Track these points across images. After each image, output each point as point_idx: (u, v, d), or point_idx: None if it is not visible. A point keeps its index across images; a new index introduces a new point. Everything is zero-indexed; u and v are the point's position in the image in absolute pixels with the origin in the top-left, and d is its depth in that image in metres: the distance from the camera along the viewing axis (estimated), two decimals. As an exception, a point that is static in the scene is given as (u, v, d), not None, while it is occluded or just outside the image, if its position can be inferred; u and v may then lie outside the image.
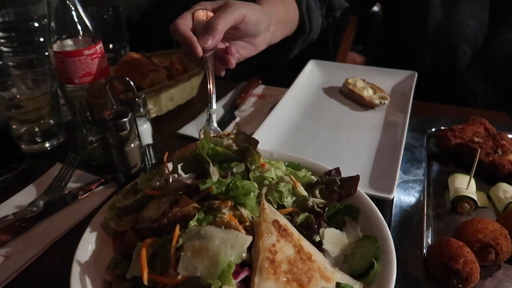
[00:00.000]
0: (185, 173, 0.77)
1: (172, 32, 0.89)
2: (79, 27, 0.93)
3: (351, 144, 1.07)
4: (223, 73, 0.98)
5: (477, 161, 0.86)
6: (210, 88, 0.93)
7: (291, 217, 0.71)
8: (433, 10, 1.31)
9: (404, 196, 0.88)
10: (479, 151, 0.84)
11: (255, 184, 0.70)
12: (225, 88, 1.44)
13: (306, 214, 0.70)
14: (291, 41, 1.34)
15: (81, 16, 0.93)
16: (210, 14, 0.92)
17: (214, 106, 0.94)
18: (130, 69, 1.20)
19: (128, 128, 0.90)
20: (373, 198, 0.84)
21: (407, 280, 0.69)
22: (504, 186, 0.87)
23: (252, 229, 0.65)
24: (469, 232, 0.72)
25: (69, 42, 0.94)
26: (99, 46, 0.96)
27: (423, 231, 0.79)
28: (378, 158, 1.00)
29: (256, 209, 0.67)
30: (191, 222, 0.64)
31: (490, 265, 0.72)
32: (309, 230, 0.69)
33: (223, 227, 0.62)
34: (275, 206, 0.72)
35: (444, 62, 1.35)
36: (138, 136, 0.95)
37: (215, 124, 0.94)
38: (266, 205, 0.67)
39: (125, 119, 0.89)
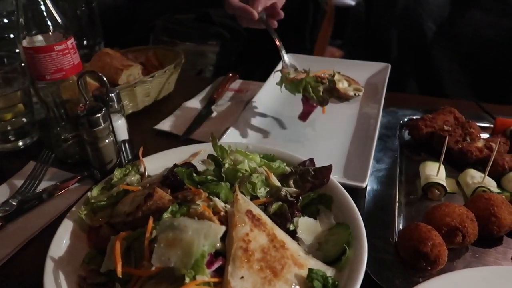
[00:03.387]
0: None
1: (227, 8, 1.11)
2: (49, 23, 0.92)
3: (326, 136, 1.09)
4: (276, 25, 1.15)
5: (446, 149, 0.88)
6: (277, 40, 1.15)
7: (264, 207, 0.72)
8: None
9: (377, 184, 0.90)
10: (447, 139, 0.87)
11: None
12: (203, 83, 1.45)
13: (279, 203, 0.71)
14: None
15: (51, 11, 0.91)
16: None
17: (286, 58, 1.16)
18: (104, 65, 1.19)
19: (102, 124, 0.89)
20: (347, 186, 0.87)
21: (378, 265, 0.71)
22: (472, 172, 0.90)
23: (226, 220, 0.66)
24: (437, 216, 0.74)
25: (39, 37, 0.93)
26: (71, 42, 0.95)
27: (394, 217, 0.81)
28: (353, 148, 1.02)
29: (231, 198, 0.68)
30: (164, 214, 0.64)
31: (458, 247, 0.75)
32: (282, 219, 0.70)
33: (196, 218, 0.62)
34: (248, 197, 0.73)
35: (411, 39, 1.39)
36: (113, 131, 0.95)
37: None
38: (240, 195, 0.68)
39: (99, 115, 0.88)
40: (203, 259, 0.57)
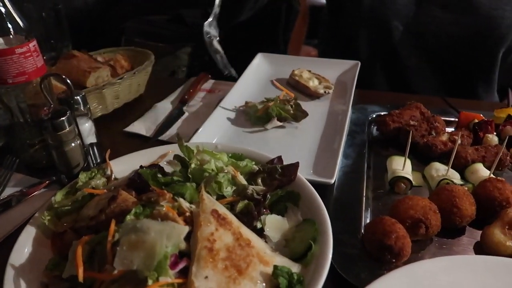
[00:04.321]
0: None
1: None
2: (9, 25, 0.89)
3: (297, 134, 1.10)
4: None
5: (411, 143, 0.90)
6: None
7: (231, 206, 0.72)
8: None
9: (346, 180, 0.91)
10: (410, 133, 0.89)
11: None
12: (175, 84, 1.44)
13: (246, 202, 0.71)
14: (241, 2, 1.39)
15: (11, 13, 0.89)
16: None
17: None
18: (71, 68, 1.17)
19: (67, 127, 0.88)
20: (316, 183, 0.87)
21: (345, 259, 0.72)
22: (437, 165, 0.93)
23: (192, 220, 0.66)
24: (401, 209, 0.75)
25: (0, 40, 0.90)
26: (33, 44, 0.93)
27: (361, 212, 0.83)
28: (322, 145, 1.03)
29: (196, 198, 0.68)
30: (128, 216, 0.63)
31: (423, 239, 0.77)
32: (249, 217, 0.70)
33: (159, 219, 0.62)
34: (215, 197, 0.73)
35: (379, 38, 1.41)
36: (79, 135, 0.93)
37: None
38: (205, 196, 0.68)
39: (63, 118, 0.86)
40: (166, 260, 0.57)
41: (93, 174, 0.82)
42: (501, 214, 0.75)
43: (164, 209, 0.64)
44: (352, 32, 1.48)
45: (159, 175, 0.76)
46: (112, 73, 1.26)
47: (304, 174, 0.86)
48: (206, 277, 0.58)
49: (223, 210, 0.68)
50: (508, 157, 0.92)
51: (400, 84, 1.46)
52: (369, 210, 0.85)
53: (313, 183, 0.86)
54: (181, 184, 0.72)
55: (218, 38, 1.33)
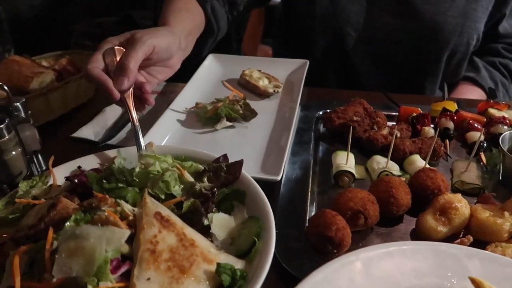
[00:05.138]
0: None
1: (86, 78, 0.89)
2: None
3: (247, 133, 1.12)
4: (144, 109, 0.99)
5: (355, 138, 0.95)
6: (135, 126, 0.88)
7: (180, 205, 0.73)
8: None
9: (292, 176, 0.94)
10: (351, 129, 0.93)
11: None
12: (125, 87, 1.41)
13: (191, 200, 0.72)
14: (202, 41, 1.39)
15: None
16: (121, 49, 0.91)
17: (143, 145, 0.87)
18: (12, 73, 1.13)
19: (6, 135, 0.85)
20: (264, 180, 0.90)
21: (289, 253, 0.75)
22: (378, 158, 0.97)
23: (136, 224, 0.66)
24: (341, 202, 0.79)
25: None
26: (-34, 50, 0.89)
27: (306, 206, 0.86)
28: (270, 143, 1.06)
29: (139, 201, 0.68)
30: (67, 223, 0.63)
31: (363, 229, 0.81)
32: (197, 215, 0.71)
33: (100, 224, 0.62)
34: (163, 197, 0.73)
35: (333, 44, 1.46)
36: (21, 142, 0.90)
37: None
38: (148, 199, 0.69)
39: (1, 126, 0.84)
40: (106, 265, 0.57)
41: (34, 182, 0.80)
42: (433, 201, 0.81)
43: (105, 214, 0.64)
44: (306, 35, 1.51)
45: (104, 180, 0.75)
46: (57, 78, 1.22)
47: (252, 172, 0.89)
48: (148, 278, 0.59)
49: (167, 212, 0.68)
50: (442, 148, 0.98)
51: (353, 85, 1.51)
52: (314, 204, 0.88)
53: (261, 180, 0.88)
54: (122, 188, 0.71)
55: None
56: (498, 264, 0.64)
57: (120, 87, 0.86)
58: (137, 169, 0.77)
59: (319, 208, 0.87)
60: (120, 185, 0.75)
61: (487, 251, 0.68)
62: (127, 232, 0.61)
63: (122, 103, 0.90)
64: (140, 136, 0.88)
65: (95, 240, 0.58)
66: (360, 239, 0.80)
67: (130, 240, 0.65)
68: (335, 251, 0.74)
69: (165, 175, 0.75)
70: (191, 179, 0.78)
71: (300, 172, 0.95)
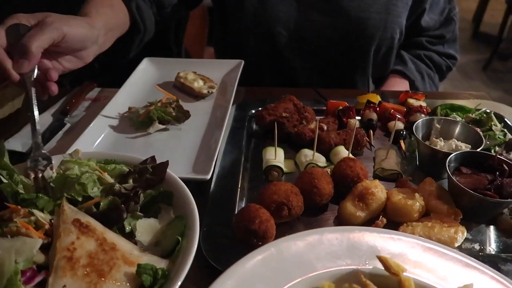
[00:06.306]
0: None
1: None
2: None
3: (180, 135, 1.12)
4: (45, 97, 0.94)
5: (284, 133, 0.99)
6: (34, 115, 0.84)
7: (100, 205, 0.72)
8: None
9: (223, 174, 0.96)
10: (275, 125, 0.96)
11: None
12: (57, 95, 1.36)
13: (110, 197, 0.72)
14: (129, 40, 1.36)
15: None
16: (27, 27, 0.86)
17: (39, 138, 0.84)
18: None
19: None
20: (194, 180, 0.91)
21: (217, 249, 0.76)
22: (306, 151, 1.01)
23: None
24: (266, 195, 0.82)
25: None
26: None
27: (236, 202, 0.88)
28: (202, 144, 1.07)
29: (50, 208, 0.67)
30: (-26, 239, 0.61)
31: (289, 220, 0.84)
32: (116, 211, 0.71)
33: (9, 236, 0.60)
34: (80, 199, 0.73)
35: (265, 43, 1.49)
36: None
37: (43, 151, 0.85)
38: (66, 206, 0.68)
39: None
40: (17, 276, 0.56)
41: None
42: (353, 189, 0.85)
43: (17, 225, 0.62)
44: (239, 35, 1.54)
45: (21, 191, 0.73)
46: (-20, 89, 1.17)
47: (183, 173, 0.90)
48: (64, 286, 0.58)
49: (86, 218, 0.68)
50: (365, 138, 1.04)
51: (289, 83, 1.55)
52: (244, 200, 0.91)
53: (191, 180, 0.89)
54: (37, 198, 0.70)
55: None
56: (401, 241, 0.69)
57: (19, 69, 0.83)
58: (54, 175, 0.76)
59: (249, 203, 0.89)
60: (40, 194, 0.74)
61: (397, 231, 0.72)
62: (39, 241, 0.60)
63: (22, 86, 0.86)
64: (37, 125, 0.84)
65: (4, 252, 0.57)
66: (288, 230, 0.83)
67: (48, 249, 0.64)
68: (260, 243, 0.76)
69: (82, 177, 0.74)
70: (111, 180, 0.78)
71: (231, 170, 0.97)
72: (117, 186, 0.75)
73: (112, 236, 0.68)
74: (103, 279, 0.61)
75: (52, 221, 0.67)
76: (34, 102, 0.86)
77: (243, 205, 0.89)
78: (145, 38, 1.41)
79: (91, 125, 1.09)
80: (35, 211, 0.66)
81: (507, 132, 1.06)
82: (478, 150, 0.91)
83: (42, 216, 0.66)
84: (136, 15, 1.30)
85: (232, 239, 0.79)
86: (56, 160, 0.82)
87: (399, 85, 1.56)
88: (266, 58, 1.53)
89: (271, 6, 1.43)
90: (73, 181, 0.73)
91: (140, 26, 1.34)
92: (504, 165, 0.85)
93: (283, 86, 1.51)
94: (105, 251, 0.65)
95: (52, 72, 0.90)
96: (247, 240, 0.76)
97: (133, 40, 1.37)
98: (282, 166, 0.97)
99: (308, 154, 1.00)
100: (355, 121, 1.11)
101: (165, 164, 0.82)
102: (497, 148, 1.00)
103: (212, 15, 2.73)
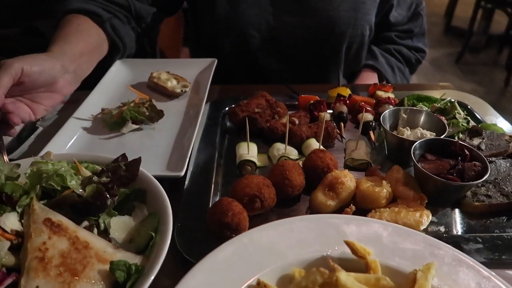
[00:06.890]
0: None
1: None
2: None
3: (154, 134, 1.13)
4: (14, 133, 0.99)
5: (257, 128, 1.00)
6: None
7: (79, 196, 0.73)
8: (218, 2, 1.44)
9: (198, 171, 0.97)
10: (247, 120, 0.98)
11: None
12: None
13: (94, 185, 0.73)
14: (109, 60, 1.38)
15: None
16: None
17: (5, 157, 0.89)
18: None
19: None
20: (168, 178, 0.92)
21: (191, 243, 0.77)
22: (278, 145, 1.03)
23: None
24: (238, 189, 0.83)
25: None
26: None
27: (210, 197, 0.89)
28: (176, 142, 1.08)
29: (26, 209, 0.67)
30: None
31: (262, 212, 0.85)
32: (101, 199, 0.73)
33: (-24, 240, 0.60)
34: (59, 188, 0.73)
35: (239, 46, 1.50)
36: None
37: None
38: (36, 206, 0.68)
39: None
40: (-15, 280, 0.56)
41: None
42: (323, 179, 0.88)
43: (-15, 228, 0.62)
44: (212, 37, 1.55)
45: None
46: None
47: (157, 171, 0.90)
48: (37, 287, 0.59)
49: (57, 217, 0.68)
50: (335, 130, 1.06)
51: (263, 82, 1.56)
52: (218, 195, 0.92)
53: (166, 178, 0.91)
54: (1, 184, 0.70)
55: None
56: (368, 226, 0.71)
57: None
58: (28, 171, 0.75)
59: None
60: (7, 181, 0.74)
61: (363, 217, 0.75)
62: (6, 244, 0.60)
63: None
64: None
65: (-29, 255, 0.57)
66: (261, 222, 0.84)
67: (19, 251, 0.64)
68: (234, 235, 0.77)
69: (60, 170, 0.74)
70: (88, 173, 0.78)
71: (205, 166, 0.98)
72: (95, 178, 0.75)
73: (85, 235, 0.68)
74: (76, 278, 0.62)
75: (23, 221, 0.67)
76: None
77: (217, 200, 0.90)
78: (127, 52, 1.44)
79: (63, 127, 1.09)
80: (3, 213, 0.66)
81: (470, 119, 1.10)
82: (442, 137, 0.95)
83: (11, 218, 0.65)
84: (113, 35, 1.32)
85: (206, 233, 0.80)
86: (26, 162, 0.82)
87: (371, 78, 1.60)
88: (240, 59, 1.55)
89: (242, 9, 1.44)
90: (49, 175, 0.73)
91: (119, 45, 1.36)
92: (465, 150, 0.89)
93: (258, 84, 1.52)
94: (78, 249, 0.65)
95: (14, 117, 0.94)
96: (221, 233, 0.78)
97: (113, 58, 1.41)
98: (255, 160, 0.98)
99: (280, 148, 1.02)
100: (326, 114, 1.14)
101: (137, 161, 0.83)
102: (460, 135, 1.04)
103: (187, 16, 2.73)
